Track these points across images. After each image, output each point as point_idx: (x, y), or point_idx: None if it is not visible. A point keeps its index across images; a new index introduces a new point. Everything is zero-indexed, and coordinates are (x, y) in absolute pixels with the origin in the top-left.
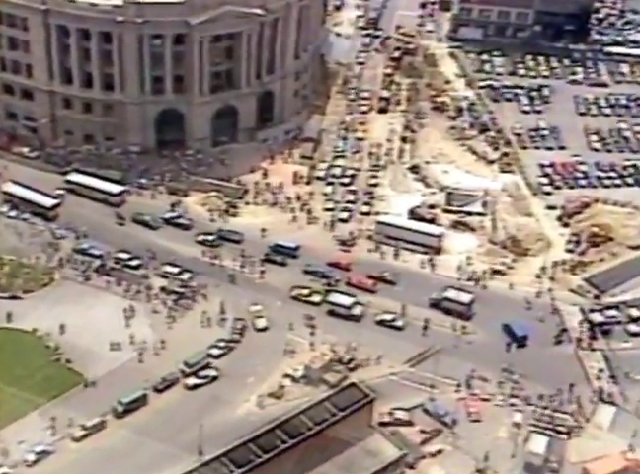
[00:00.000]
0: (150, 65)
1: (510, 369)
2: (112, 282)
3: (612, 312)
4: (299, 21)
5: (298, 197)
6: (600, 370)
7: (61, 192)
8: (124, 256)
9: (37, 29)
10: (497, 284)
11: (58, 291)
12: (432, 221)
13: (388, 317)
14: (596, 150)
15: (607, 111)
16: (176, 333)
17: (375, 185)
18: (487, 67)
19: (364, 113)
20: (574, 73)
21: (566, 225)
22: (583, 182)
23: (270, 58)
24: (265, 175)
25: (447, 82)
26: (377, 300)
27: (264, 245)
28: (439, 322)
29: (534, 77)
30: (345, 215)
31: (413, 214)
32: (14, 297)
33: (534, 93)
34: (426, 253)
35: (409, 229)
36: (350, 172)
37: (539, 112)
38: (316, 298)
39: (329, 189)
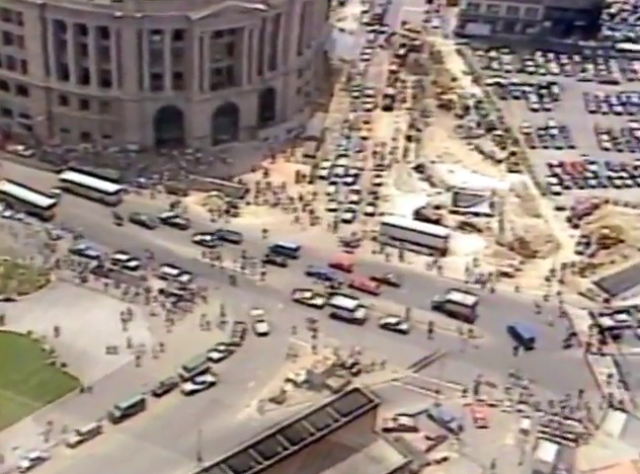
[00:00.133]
0: (149, 61)
1: (517, 374)
2: (109, 284)
3: (623, 316)
4: (302, 16)
5: (301, 198)
6: (610, 376)
7: (57, 191)
8: (122, 257)
9: (32, 23)
10: (504, 287)
11: (54, 293)
12: (437, 222)
13: (392, 320)
14: (606, 150)
15: (619, 109)
16: (175, 336)
17: (380, 184)
18: (495, 64)
19: (369, 111)
20: (584, 70)
21: (575, 227)
22: (593, 182)
23: (272, 55)
24: (266, 174)
25: (454, 79)
26: (381, 303)
27: (265, 246)
28: (444, 325)
29: (543, 74)
30: (348, 216)
31: (418, 215)
32: (8, 299)
33: (543, 91)
34: (431, 254)
35: (414, 230)
36: (353, 171)
37: (548, 110)
38: (319, 301)
39: (332, 188)
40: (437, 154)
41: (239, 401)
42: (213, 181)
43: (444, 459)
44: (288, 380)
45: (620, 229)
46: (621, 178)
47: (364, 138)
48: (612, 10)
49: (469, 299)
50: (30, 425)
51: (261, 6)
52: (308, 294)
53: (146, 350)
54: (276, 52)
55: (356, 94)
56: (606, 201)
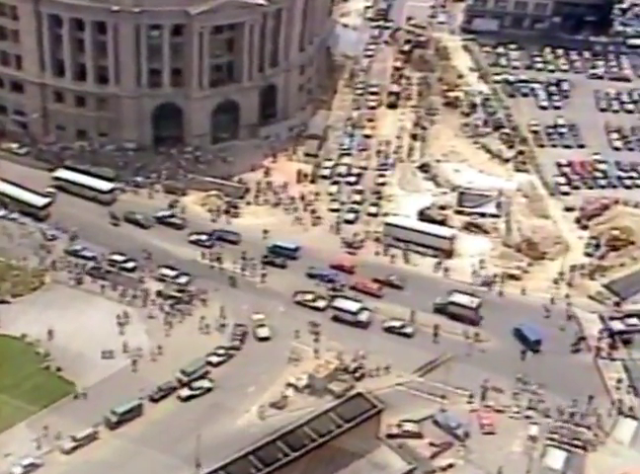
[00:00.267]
0: (147, 57)
1: (525, 379)
2: (105, 286)
3: (633, 320)
4: (304, 11)
5: (302, 197)
6: (619, 381)
7: (52, 190)
8: (119, 258)
9: (27, 18)
10: (511, 290)
11: (49, 295)
12: (442, 223)
13: (397, 324)
14: (617, 149)
15: (630, 107)
16: (173, 339)
17: (383, 184)
18: (502, 61)
19: (372, 108)
20: (595, 67)
21: (585, 228)
22: (603, 182)
23: (273, 51)
24: (267, 173)
25: (460, 76)
26: (385, 306)
27: (265, 247)
28: (449, 329)
29: (553, 71)
30: (351, 216)
31: (423, 215)
32: (2, 301)
33: (552, 88)
34: (436, 256)
35: (418, 231)
36: (356, 171)
37: (558, 108)
38: (321, 303)
39: (334, 188)
40: (442, 153)
41: (239, 406)
42: (213, 180)
43: (450, 466)
44: (290, 385)
45: (631, 231)
46: (632, 178)
47: (368, 137)
48: (624, 5)
49: (472, 301)
50: (23, 430)
51: (262, 1)
52: (310, 297)
53: (143, 353)
54: (277, 48)
55: (359, 91)
56: (616, 202)
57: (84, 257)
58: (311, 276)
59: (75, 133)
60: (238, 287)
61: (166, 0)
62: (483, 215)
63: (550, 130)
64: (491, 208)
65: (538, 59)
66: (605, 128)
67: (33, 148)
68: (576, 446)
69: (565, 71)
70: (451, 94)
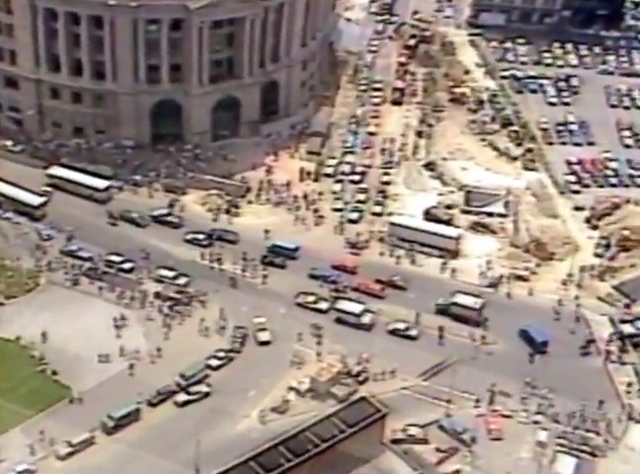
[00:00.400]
0: (145, 52)
1: (533, 383)
2: (102, 287)
3: None
4: (307, 5)
5: (305, 196)
6: (630, 385)
7: (48, 189)
8: (116, 258)
9: (21, 12)
10: (519, 291)
11: (44, 297)
12: (449, 223)
13: (401, 326)
14: (628, 146)
15: None
16: (171, 342)
17: (388, 183)
18: (510, 56)
19: (377, 105)
20: (605, 62)
21: (595, 228)
22: (613, 180)
23: (274, 46)
24: (269, 172)
25: (467, 72)
26: (389, 308)
27: (265, 247)
28: (455, 331)
29: (562, 66)
30: (355, 216)
31: (428, 215)
32: None
33: (562, 84)
34: (442, 256)
35: (424, 231)
36: (360, 169)
37: (567, 104)
38: (323, 305)
39: (338, 187)
40: (448, 151)
41: (239, 411)
42: (213, 179)
43: (456, 472)
44: (291, 389)
45: None
46: None
47: (372, 134)
48: None
49: (475, 302)
50: (18, 435)
51: None
52: (312, 298)
53: (141, 356)
54: (279, 43)
55: (363, 87)
56: (628, 201)
57: (80, 257)
58: (313, 276)
59: (71, 131)
60: (238, 289)
61: None
62: (490, 215)
63: (559, 127)
64: (498, 208)
65: (547, 54)
66: (616, 125)
67: (28, 146)
68: (586, 453)
69: (574, 66)
70: (458, 90)
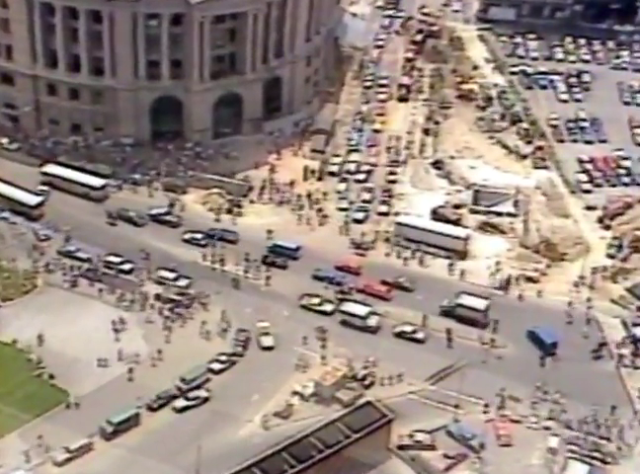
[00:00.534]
0: (145, 48)
1: (544, 388)
2: (102, 289)
3: None
4: (311, 0)
5: (309, 196)
6: None
7: (45, 188)
8: (115, 259)
9: (18, 5)
10: (529, 293)
11: (41, 299)
12: (457, 223)
13: (408, 329)
14: None
15: None
16: (172, 345)
17: (394, 182)
18: (520, 51)
19: (382, 102)
20: (618, 57)
21: (607, 228)
22: (626, 179)
23: (278, 41)
24: (272, 170)
25: (475, 68)
26: (395, 310)
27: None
28: (464, 334)
29: (573, 62)
30: (360, 215)
31: (436, 215)
32: None
33: (573, 79)
34: (450, 257)
35: (431, 231)
36: (366, 167)
37: (578, 100)
38: (328, 307)
39: (343, 186)
40: (456, 149)
41: (241, 415)
42: (214, 177)
43: None
44: (295, 393)
45: None
46: None
47: (378, 132)
48: None
49: (481, 303)
50: (14, 441)
51: None
52: (316, 300)
53: (141, 360)
54: (282, 39)
55: (368, 84)
56: None
57: (78, 258)
58: (317, 278)
59: (69, 128)
60: (241, 290)
61: None
62: (499, 215)
63: (570, 125)
64: (508, 207)
65: (558, 50)
66: (629, 123)
67: (24, 144)
68: (598, 459)
69: (586, 62)
70: (466, 86)
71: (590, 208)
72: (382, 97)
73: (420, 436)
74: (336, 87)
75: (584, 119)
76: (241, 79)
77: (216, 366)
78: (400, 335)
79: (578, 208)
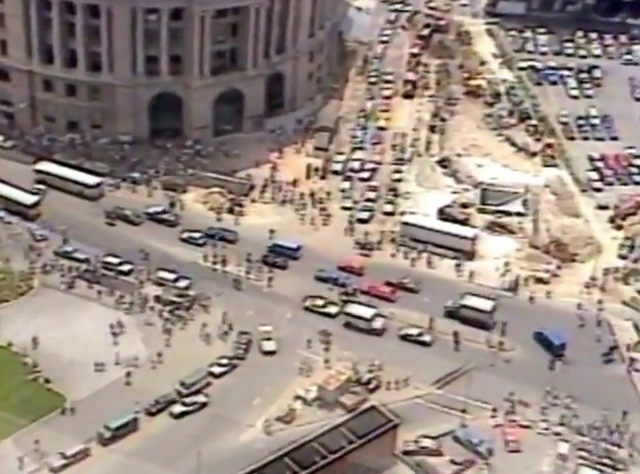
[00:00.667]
0: (144, 43)
1: (554, 392)
2: (101, 291)
3: None
4: None
5: (312, 195)
6: None
7: (41, 186)
8: (114, 260)
9: (13, 0)
10: (539, 295)
11: (37, 301)
12: (464, 222)
13: (414, 331)
14: None
15: None
16: (172, 348)
17: (399, 180)
18: (530, 46)
19: (387, 98)
20: (630, 52)
21: (619, 228)
22: (638, 178)
23: (280, 36)
24: (274, 169)
25: (483, 63)
26: (401, 311)
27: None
28: (471, 337)
29: (584, 57)
30: (365, 215)
31: (442, 214)
32: None
33: (584, 75)
34: (457, 258)
35: (438, 231)
36: (370, 166)
37: (589, 97)
38: (332, 309)
39: (347, 185)
40: (463, 146)
41: (243, 420)
42: (215, 176)
43: None
44: (298, 397)
45: None
46: None
47: (383, 129)
48: None
49: (486, 304)
50: (8, 447)
51: None
52: (320, 302)
53: (140, 363)
54: (285, 33)
55: (373, 80)
56: None
57: (76, 259)
58: (320, 279)
59: (65, 125)
60: (242, 291)
61: None
62: (508, 214)
63: (581, 121)
64: (517, 206)
65: (569, 44)
66: None
67: (19, 141)
68: (609, 466)
69: (598, 57)
70: (473, 82)
71: (601, 208)
72: (387, 93)
73: (426, 442)
74: (340, 83)
75: (595, 116)
76: (242, 75)
77: (217, 370)
78: (406, 337)
79: (589, 208)
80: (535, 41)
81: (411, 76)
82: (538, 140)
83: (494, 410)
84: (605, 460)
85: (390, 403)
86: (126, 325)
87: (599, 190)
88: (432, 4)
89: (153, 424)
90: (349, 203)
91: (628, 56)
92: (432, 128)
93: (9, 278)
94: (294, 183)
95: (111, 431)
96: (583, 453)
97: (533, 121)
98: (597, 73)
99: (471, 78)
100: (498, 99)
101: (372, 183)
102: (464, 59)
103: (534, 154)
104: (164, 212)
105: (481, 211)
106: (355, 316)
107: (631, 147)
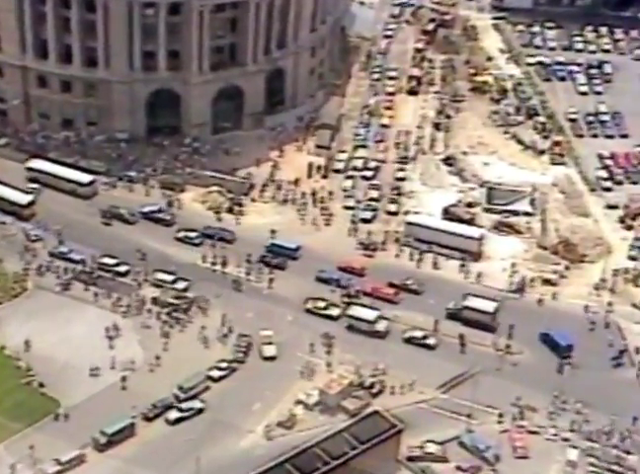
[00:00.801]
0: (141, 38)
1: (563, 397)
2: (94, 292)
3: None
4: None
5: (313, 194)
6: None
7: (35, 185)
8: (110, 261)
9: None
10: (547, 297)
11: (31, 303)
12: (470, 222)
13: (418, 334)
14: None
15: None
16: (170, 352)
17: (403, 179)
18: (537, 41)
19: (391, 94)
20: None
21: (629, 228)
22: None
23: (281, 31)
24: (274, 167)
25: (490, 59)
26: (405, 314)
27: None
28: (478, 340)
29: (593, 52)
30: (368, 215)
31: (448, 214)
32: None
33: (593, 71)
34: (463, 259)
35: (443, 231)
36: (373, 164)
37: (599, 93)
38: (334, 311)
39: (349, 184)
40: (469, 144)
41: (243, 425)
42: (214, 175)
43: None
44: (299, 402)
45: None
46: None
47: (386, 126)
48: None
49: (489, 305)
50: (1, 453)
51: None
52: (322, 304)
53: (137, 367)
54: (285, 28)
55: (376, 76)
56: None
57: (71, 260)
58: (321, 280)
59: (60, 122)
60: (242, 293)
61: None
62: (515, 214)
63: (590, 119)
64: (524, 206)
65: (578, 39)
66: None
67: (13, 139)
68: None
69: (608, 52)
70: (479, 78)
71: (611, 207)
72: (391, 89)
73: (431, 448)
74: (342, 79)
75: (604, 113)
76: (242, 71)
77: (216, 374)
78: (410, 340)
79: (598, 207)
80: (543, 36)
81: (415, 72)
82: (546, 138)
83: (500, 415)
84: (615, 467)
85: (394, 408)
86: (123, 328)
87: (608, 189)
88: None
89: (150, 429)
90: (351, 203)
91: (639, 51)
92: (436, 126)
93: (2, 280)
94: (295, 182)
95: (107, 436)
96: (592, 460)
97: (541, 119)
98: (607, 69)
99: (477, 74)
100: (505, 95)
101: (375, 182)
102: (470, 55)
103: (542, 152)
104: (159, 211)
105: (487, 211)
106: (357, 318)
107: None
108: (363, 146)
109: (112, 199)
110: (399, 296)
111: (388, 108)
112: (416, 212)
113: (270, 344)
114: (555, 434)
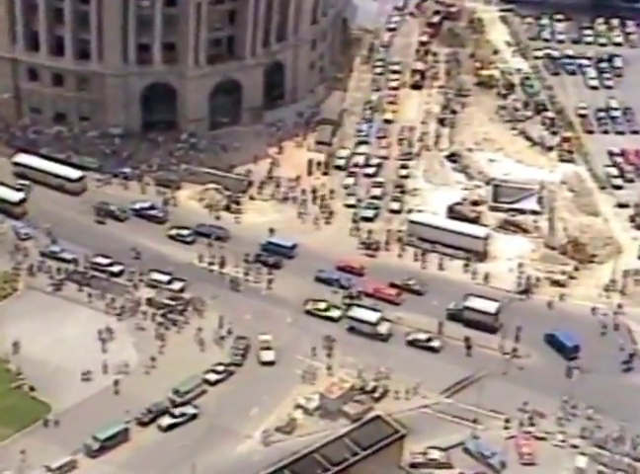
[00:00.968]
0: (136, 30)
1: (572, 402)
2: (86, 292)
3: None
4: None
5: (313, 191)
6: None
7: (26, 182)
8: (103, 261)
9: None
10: (555, 298)
11: (22, 303)
12: (475, 221)
13: (422, 336)
14: None
15: None
16: (165, 354)
17: (407, 176)
18: (546, 34)
19: (394, 89)
20: None
21: None
22: None
23: (281, 23)
24: (273, 164)
25: (496, 52)
26: (408, 315)
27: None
28: (483, 342)
29: (604, 45)
30: (370, 213)
31: (452, 212)
32: None
33: (604, 64)
34: (468, 259)
35: (448, 230)
36: (376, 161)
37: (609, 88)
38: (335, 313)
39: (350, 181)
40: (475, 140)
41: (240, 430)
42: (211, 171)
43: None
44: (298, 406)
45: None
46: None
47: (389, 122)
48: None
49: (491, 306)
50: None
51: None
52: (322, 305)
53: (131, 370)
54: (286, 20)
55: (379, 70)
56: None
57: (63, 259)
58: (321, 280)
59: (52, 117)
60: (240, 294)
61: None
62: (522, 212)
63: (600, 114)
64: (531, 204)
65: (588, 32)
66: None
67: (3, 134)
68: None
69: (619, 45)
70: (485, 72)
71: (621, 206)
72: (394, 84)
73: (435, 454)
74: (344, 73)
75: (615, 108)
76: (240, 64)
77: (213, 377)
78: (413, 343)
79: (608, 206)
80: (552, 29)
81: (419, 66)
82: (555, 134)
83: (507, 420)
84: None
85: (397, 412)
86: (117, 330)
87: (618, 187)
88: None
89: (145, 434)
90: (353, 201)
91: None
92: (441, 121)
93: None
94: (295, 179)
95: (99, 441)
96: (601, 468)
97: (550, 114)
98: (617, 62)
99: (483, 68)
100: (512, 90)
101: (378, 179)
102: (476, 48)
103: (550, 148)
104: (151, 208)
105: (493, 209)
106: (359, 320)
107: None
108: (366, 142)
109: (104, 196)
110: (401, 297)
111: (391, 102)
112: (419, 211)
113: (268, 349)
114: (563, 441)
